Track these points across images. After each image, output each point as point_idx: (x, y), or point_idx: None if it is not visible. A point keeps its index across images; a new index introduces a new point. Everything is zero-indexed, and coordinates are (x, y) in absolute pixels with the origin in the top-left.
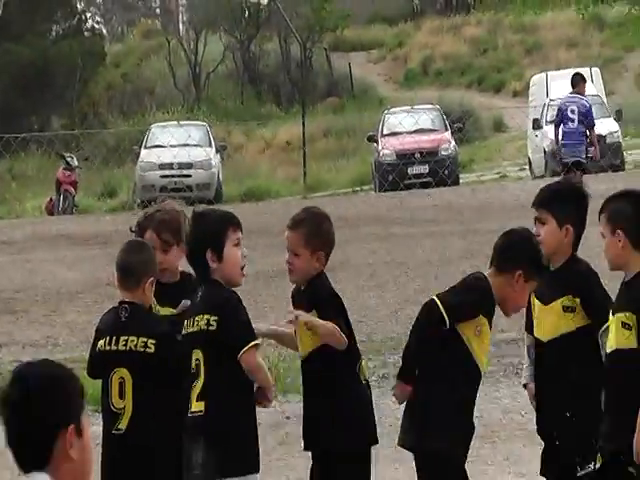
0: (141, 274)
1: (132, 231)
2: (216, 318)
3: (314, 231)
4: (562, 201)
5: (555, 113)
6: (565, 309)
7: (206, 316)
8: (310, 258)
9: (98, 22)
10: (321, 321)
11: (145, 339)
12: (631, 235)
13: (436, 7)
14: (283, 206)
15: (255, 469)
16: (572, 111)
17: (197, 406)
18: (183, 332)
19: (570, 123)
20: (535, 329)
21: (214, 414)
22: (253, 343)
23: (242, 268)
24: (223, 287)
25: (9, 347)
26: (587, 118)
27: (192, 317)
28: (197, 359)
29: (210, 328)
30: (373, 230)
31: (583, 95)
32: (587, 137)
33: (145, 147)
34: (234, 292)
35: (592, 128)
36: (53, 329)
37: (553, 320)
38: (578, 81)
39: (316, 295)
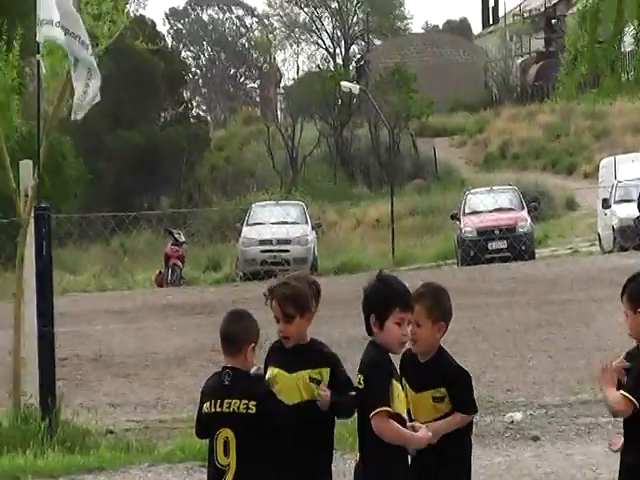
0: (242, 341)
1: (265, 295)
2: (362, 377)
3: (435, 303)
4: None
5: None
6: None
7: (359, 375)
8: (432, 328)
9: (203, 110)
10: (445, 423)
11: (247, 401)
12: None
13: (513, 96)
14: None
15: None
16: None
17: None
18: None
19: None
20: None
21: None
22: (383, 409)
23: (403, 343)
24: (379, 349)
25: (122, 407)
26: None
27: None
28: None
29: (359, 386)
30: (456, 300)
31: None
32: None
33: (247, 224)
34: (387, 356)
35: None
36: (162, 391)
37: None
38: None
39: (445, 371)
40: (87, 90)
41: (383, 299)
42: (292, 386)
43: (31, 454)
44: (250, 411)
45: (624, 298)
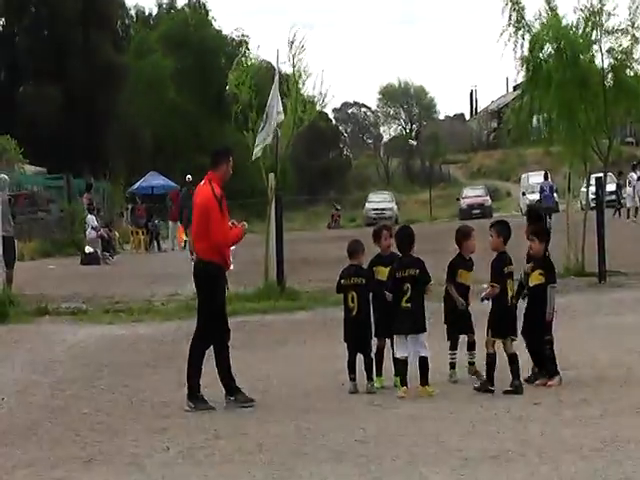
0: (357, 252)
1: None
2: None
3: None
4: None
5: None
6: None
7: None
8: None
9: None
10: None
11: (360, 278)
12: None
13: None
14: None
15: None
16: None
17: None
18: None
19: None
20: None
21: None
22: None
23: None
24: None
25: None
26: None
27: None
28: None
29: None
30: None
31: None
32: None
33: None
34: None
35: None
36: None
37: None
38: (546, 176)
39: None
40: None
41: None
42: (385, 272)
43: (273, 301)
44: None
45: (492, 228)
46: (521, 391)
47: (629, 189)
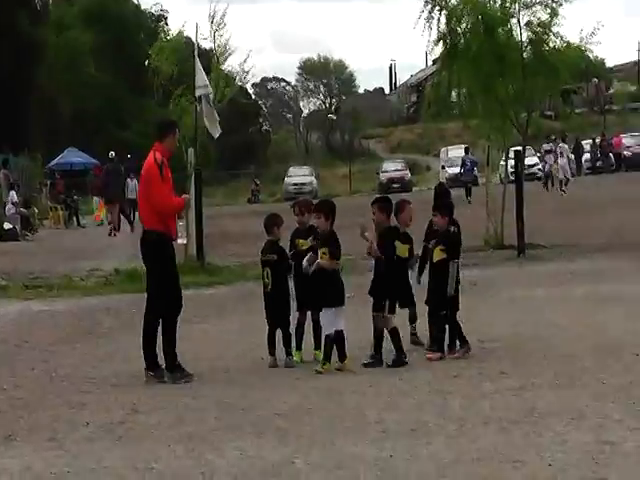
0: (271, 225)
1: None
2: None
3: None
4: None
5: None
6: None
7: None
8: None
9: None
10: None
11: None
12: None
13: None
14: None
15: None
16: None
17: None
18: None
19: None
20: None
21: None
22: None
23: None
24: None
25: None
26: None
27: None
28: None
29: None
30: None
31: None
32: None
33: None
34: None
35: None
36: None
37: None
38: (467, 150)
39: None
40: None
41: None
42: (305, 244)
43: (193, 276)
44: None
45: (374, 205)
46: (403, 363)
47: (561, 160)
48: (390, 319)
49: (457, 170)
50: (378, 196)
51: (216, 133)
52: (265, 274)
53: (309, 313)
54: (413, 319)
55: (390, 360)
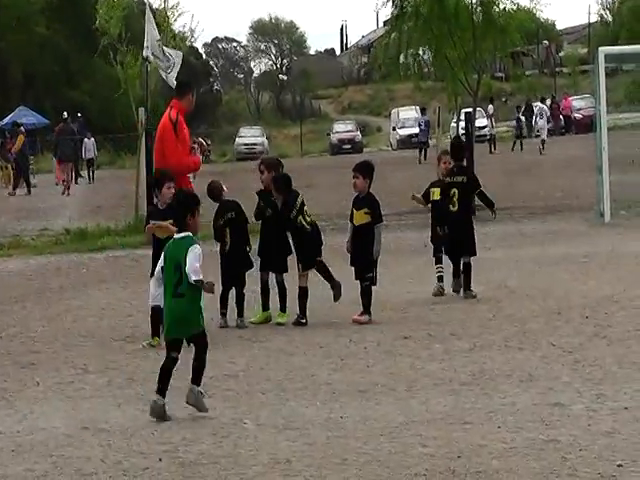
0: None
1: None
2: None
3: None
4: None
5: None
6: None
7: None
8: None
9: None
10: None
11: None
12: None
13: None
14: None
15: None
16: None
17: None
18: None
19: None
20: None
21: None
22: None
23: None
24: None
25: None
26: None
27: None
28: None
29: None
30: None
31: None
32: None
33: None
34: None
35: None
36: None
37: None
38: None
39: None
40: (167, 77)
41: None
42: None
43: (141, 236)
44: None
45: (357, 170)
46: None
47: (541, 121)
48: None
49: (408, 132)
50: (361, 162)
51: (172, 82)
52: (225, 233)
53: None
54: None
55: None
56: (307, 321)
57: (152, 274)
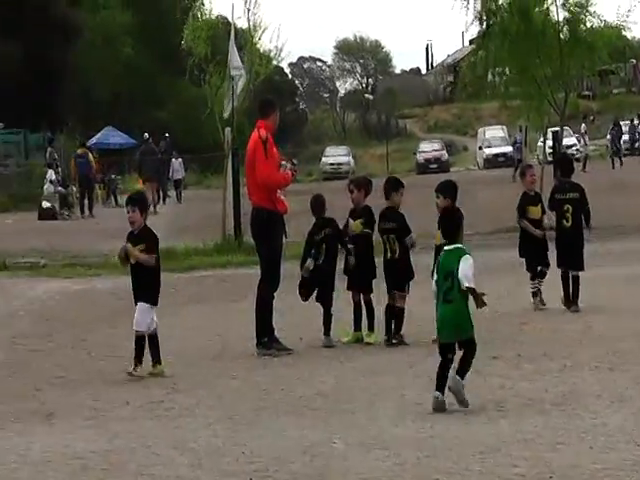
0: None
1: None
2: None
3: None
4: None
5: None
6: None
7: None
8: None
9: None
10: None
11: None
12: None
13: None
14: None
15: None
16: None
17: None
18: None
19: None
20: None
21: None
22: None
23: None
24: None
25: None
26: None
27: None
28: None
29: None
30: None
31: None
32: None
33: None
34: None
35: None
36: None
37: None
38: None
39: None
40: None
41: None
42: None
43: (229, 256)
44: None
45: (438, 190)
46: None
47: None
48: None
49: (495, 151)
50: (442, 182)
51: (226, 113)
52: (321, 250)
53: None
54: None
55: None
56: (403, 342)
57: (135, 302)
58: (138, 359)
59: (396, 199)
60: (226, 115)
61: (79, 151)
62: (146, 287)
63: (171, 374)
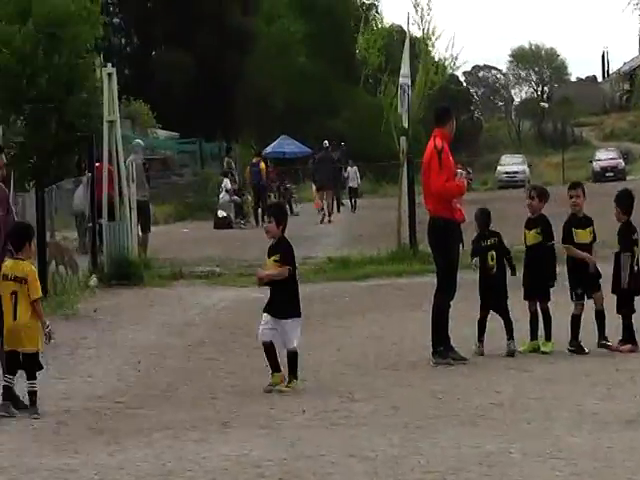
0: None
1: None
2: None
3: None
4: None
5: None
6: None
7: None
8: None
9: None
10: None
11: None
12: None
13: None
14: None
15: None
16: None
17: None
18: None
19: None
20: None
21: None
22: None
23: None
24: None
25: None
26: None
27: None
28: None
29: None
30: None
31: None
32: None
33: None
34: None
35: None
36: None
37: None
38: None
39: None
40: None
41: None
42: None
43: (404, 264)
44: None
45: (615, 201)
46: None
47: None
48: None
49: None
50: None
51: (404, 122)
52: (490, 257)
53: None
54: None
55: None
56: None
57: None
58: (293, 374)
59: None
60: (405, 125)
61: (254, 160)
62: (289, 301)
63: (347, 383)
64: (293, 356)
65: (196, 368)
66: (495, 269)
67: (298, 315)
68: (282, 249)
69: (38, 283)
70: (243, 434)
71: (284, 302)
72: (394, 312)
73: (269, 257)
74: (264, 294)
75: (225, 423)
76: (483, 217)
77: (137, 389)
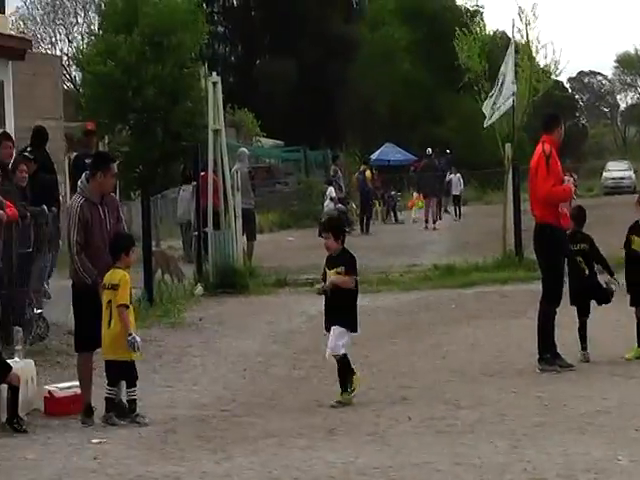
0: None
1: None
2: None
3: None
4: None
5: None
6: None
7: None
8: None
9: None
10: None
11: None
12: None
13: None
14: None
15: None
16: None
17: None
18: None
19: None
20: None
21: None
22: None
23: None
24: None
25: None
26: None
27: None
28: None
29: None
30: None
31: None
32: None
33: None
34: None
35: None
36: None
37: None
38: None
39: None
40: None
41: None
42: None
43: (510, 272)
44: None
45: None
46: None
47: None
48: None
49: None
50: None
51: (487, 122)
52: (576, 261)
53: None
54: None
55: None
56: None
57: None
58: (343, 387)
59: None
60: (488, 122)
61: (361, 168)
62: (344, 311)
63: (453, 390)
64: (341, 365)
65: (301, 376)
66: (587, 271)
67: (349, 327)
68: (346, 260)
69: (127, 291)
70: (349, 442)
71: (339, 309)
72: (499, 319)
73: (330, 269)
74: (369, 302)
75: (331, 430)
76: (580, 215)
77: (243, 397)
